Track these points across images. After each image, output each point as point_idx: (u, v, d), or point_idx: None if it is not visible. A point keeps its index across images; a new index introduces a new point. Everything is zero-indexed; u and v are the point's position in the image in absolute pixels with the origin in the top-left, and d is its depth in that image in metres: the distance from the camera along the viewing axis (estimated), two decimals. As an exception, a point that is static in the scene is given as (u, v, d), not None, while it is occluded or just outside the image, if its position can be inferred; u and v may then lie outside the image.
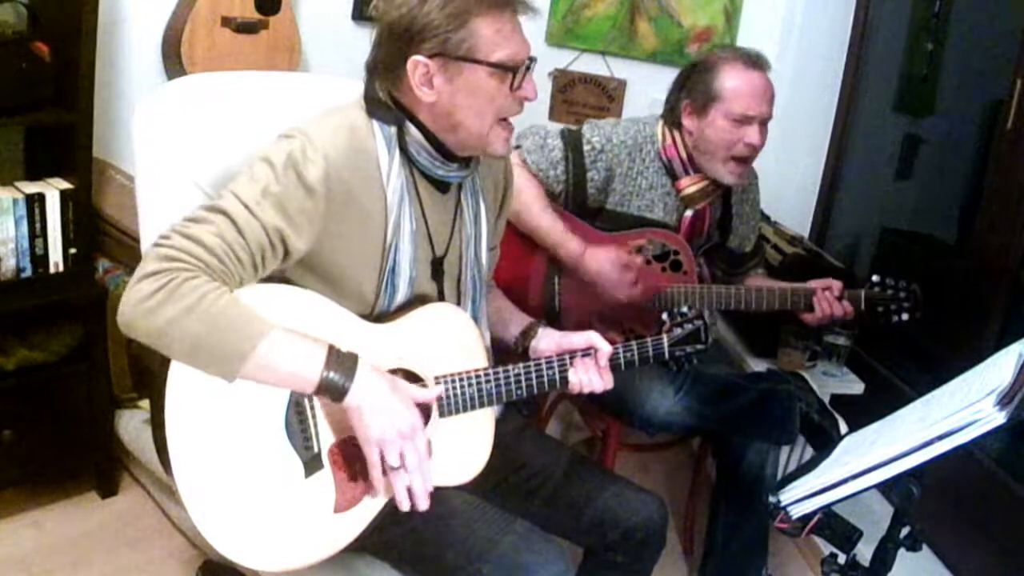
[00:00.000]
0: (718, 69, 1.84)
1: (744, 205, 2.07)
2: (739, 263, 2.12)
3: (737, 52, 1.87)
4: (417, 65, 1.25)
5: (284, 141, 1.24)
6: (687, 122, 1.89)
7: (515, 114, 1.33)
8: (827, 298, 1.90)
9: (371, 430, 1.19)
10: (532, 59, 1.30)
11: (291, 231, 1.20)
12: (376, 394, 1.19)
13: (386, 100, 1.31)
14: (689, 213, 1.95)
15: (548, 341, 1.47)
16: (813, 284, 1.94)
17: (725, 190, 1.99)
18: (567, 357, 1.41)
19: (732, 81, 1.82)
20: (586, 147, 1.90)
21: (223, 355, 1.12)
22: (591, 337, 1.43)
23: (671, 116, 1.93)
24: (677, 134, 1.92)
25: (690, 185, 1.92)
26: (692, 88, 1.88)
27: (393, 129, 1.30)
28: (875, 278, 1.93)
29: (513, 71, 1.27)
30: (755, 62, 1.85)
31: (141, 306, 1.10)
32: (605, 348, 1.42)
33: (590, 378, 1.41)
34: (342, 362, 1.18)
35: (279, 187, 1.19)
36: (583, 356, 1.41)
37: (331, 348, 1.19)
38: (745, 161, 1.88)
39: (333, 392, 1.18)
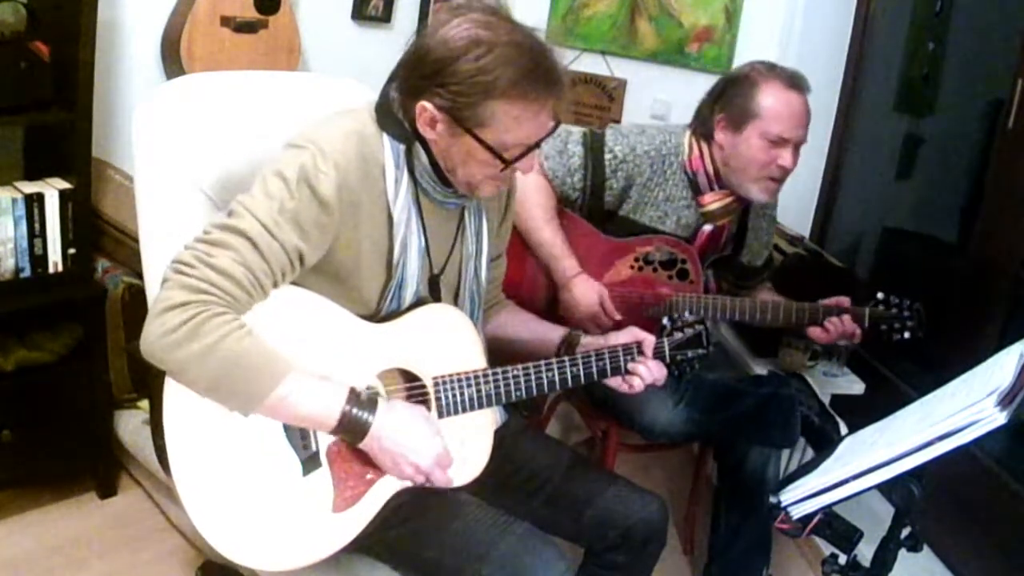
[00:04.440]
0: (758, 86, 1.79)
1: (761, 220, 2.04)
2: (748, 276, 2.10)
3: (779, 71, 1.81)
4: (425, 110, 1.24)
5: (294, 152, 1.22)
6: (720, 136, 1.84)
7: (505, 179, 1.33)
8: (840, 319, 1.88)
9: (394, 469, 1.24)
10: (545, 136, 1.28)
11: (307, 247, 1.21)
12: (397, 431, 1.22)
13: (399, 114, 1.29)
14: (707, 228, 1.92)
15: (594, 343, 1.47)
16: (826, 302, 1.91)
17: (744, 210, 1.97)
18: (566, 359, 1.40)
19: (771, 100, 1.77)
20: (607, 155, 1.86)
21: (241, 395, 1.14)
22: (635, 332, 1.44)
23: (702, 128, 1.88)
24: (706, 147, 1.87)
25: (714, 201, 1.89)
26: (729, 102, 1.83)
27: (402, 147, 1.30)
28: (879, 295, 1.90)
29: (508, 161, 1.25)
30: (797, 84, 1.79)
31: (166, 339, 1.10)
32: (649, 338, 1.43)
33: (649, 369, 1.42)
34: (363, 401, 1.20)
35: (294, 203, 1.19)
36: (626, 353, 1.42)
37: (351, 389, 1.20)
38: (777, 181, 1.84)
39: (355, 429, 1.20)
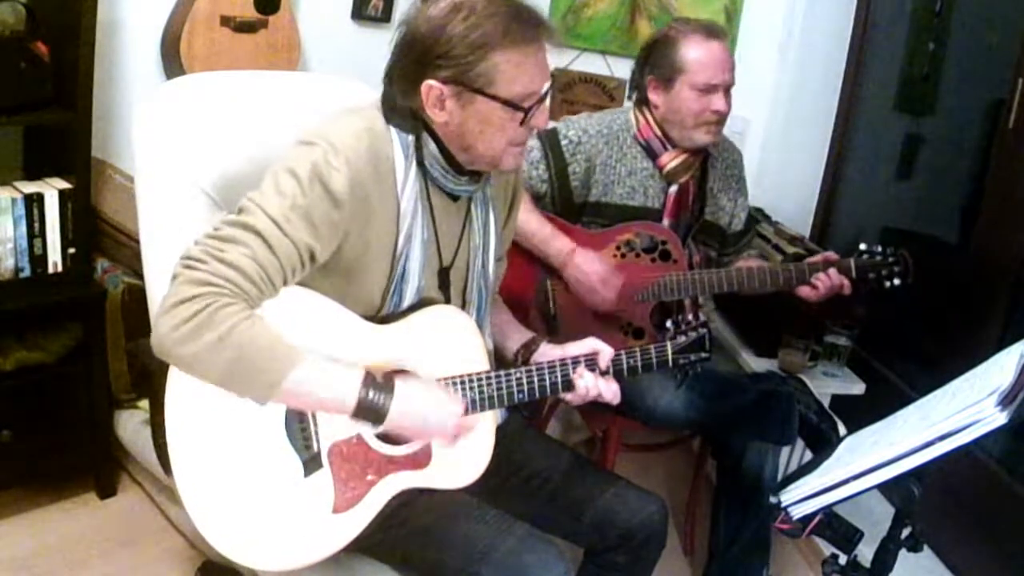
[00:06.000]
0: (678, 42, 1.86)
1: (729, 181, 2.07)
2: (731, 242, 2.12)
3: (694, 24, 1.90)
4: (431, 89, 1.24)
5: (305, 149, 1.22)
6: (653, 97, 1.91)
7: (525, 140, 1.33)
8: (827, 274, 1.90)
9: (424, 438, 1.28)
10: (550, 86, 1.30)
11: (318, 245, 1.21)
12: (416, 404, 1.23)
13: (404, 108, 1.30)
14: (674, 189, 1.96)
15: (551, 353, 1.46)
16: (811, 260, 1.94)
17: (703, 164, 2.00)
18: (570, 362, 1.40)
19: (694, 52, 1.85)
20: (563, 142, 1.92)
21: (255, 383, 1.13)
22: (593, 343, 1.43)
23: (639, 95, 1.96)
24: (648, 113, 1.94)
25: (671, 160, 1.94)
26: (655, 64, 1.90)
27: (411, 138, 1.30)
28: (862, 246, 1.93)
29: (527, 109, 1.27)
30: (713, 32, 1.88)
31: (176, 332, 1.09)
32: (607, 350, 1.41)
33: (596, 383, 1.40)
34: (379, 383, 1.20)
35: (306, 200, 1.18)
36: (587, 363, 1.41)
37: (367, 371, 1.20)
38: (716, 124, 1.89)
39: (373, 412, 1.19)
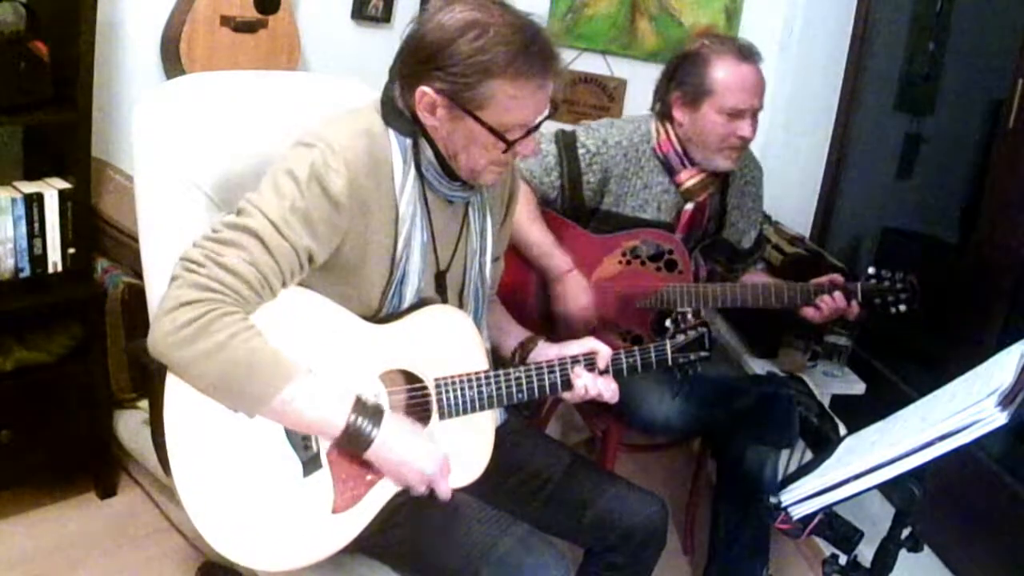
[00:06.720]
0: (710, 62, 1.81)
1: (746, 199, 2.04)
2: (739, 259, 2.10)
3: (728, 44, 1.84)
4: (424, 95, 1.24)
5: (304, 150, 1.22)
6: (678, 114, 1.87)
7: (507, 163, 1.33)
8: (832, 296, 1.89)
9: (399, 478, 1.25)
10: (546, 117, 1.28)
11: (317, 247, 1.21)
12: (402, 442, 1.22)
13: (403, 110, 1.30)
14: (689, 206, 1.93)
15: (549, 352, 1.46)
16: (817, 281, 1.92)
17: (723, 181, 1.98)
18: (569, 361, 1.40)
19: (724, 74, 1.79)
20: (580, 151, 1.88)
21: (245, 396, 1.14)
22: (591, 343, 1.42)
23: (663, 108, 1.91)
24: (669, 127, 1.89)
25: (690, 178, 1.90)
26: (682, 80, 1.85)
27: (409, 141, 1.30)
28: (871, 270, 1.91)
29: (511, 141, 1.26)
30: (747, 54, 1.81)
31: (174, 335, 1.10)
32: (605, 350, 1.41)
33: (594, 382, 1.40)
34: (369, 411, 1.20)
35: (304, 202, 1.19)
36: (586, 362, 1.41)
37: (358, 397, 1.20)
38: (739, 149, 1.86)
39: (359, 440, 1.20)
